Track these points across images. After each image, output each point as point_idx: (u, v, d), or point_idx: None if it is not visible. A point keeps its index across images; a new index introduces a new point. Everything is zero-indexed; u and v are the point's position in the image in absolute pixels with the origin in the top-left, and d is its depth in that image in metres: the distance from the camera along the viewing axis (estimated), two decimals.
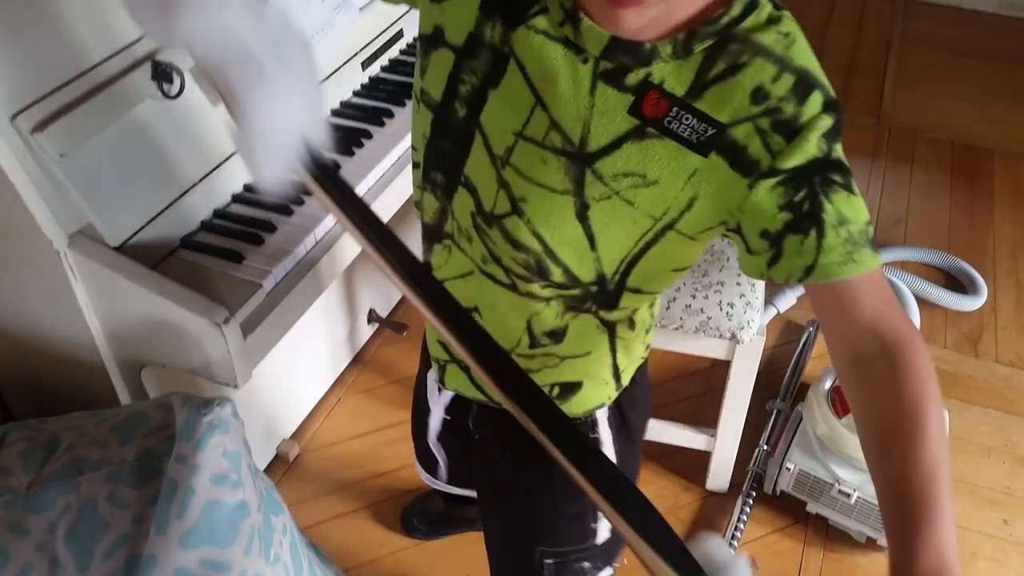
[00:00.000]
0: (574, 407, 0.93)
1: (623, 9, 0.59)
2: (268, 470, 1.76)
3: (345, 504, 1.74)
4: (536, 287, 0.80)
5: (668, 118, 0.65)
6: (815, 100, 0.64)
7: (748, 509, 1.73)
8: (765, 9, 0.65)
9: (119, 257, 1.14)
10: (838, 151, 0.67)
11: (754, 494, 1.75)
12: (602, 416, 0.95)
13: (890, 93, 3.05)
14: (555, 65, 0.67)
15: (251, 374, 1.19)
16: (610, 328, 0.85)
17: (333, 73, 1.50)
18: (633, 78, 0.65)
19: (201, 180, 1.28)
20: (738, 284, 1.49)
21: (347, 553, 1.63)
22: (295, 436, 1.83)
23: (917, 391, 0.64)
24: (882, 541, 1.65)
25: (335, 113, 1.49)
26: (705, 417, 1.78)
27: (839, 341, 0.68)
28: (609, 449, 0.97)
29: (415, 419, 1.22)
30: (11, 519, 1.00)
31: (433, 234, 0.87)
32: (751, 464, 1.77)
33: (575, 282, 0.78)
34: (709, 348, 1.52)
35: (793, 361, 2.04)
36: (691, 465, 1.79)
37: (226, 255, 1.23)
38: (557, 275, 0.77)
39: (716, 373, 1.95)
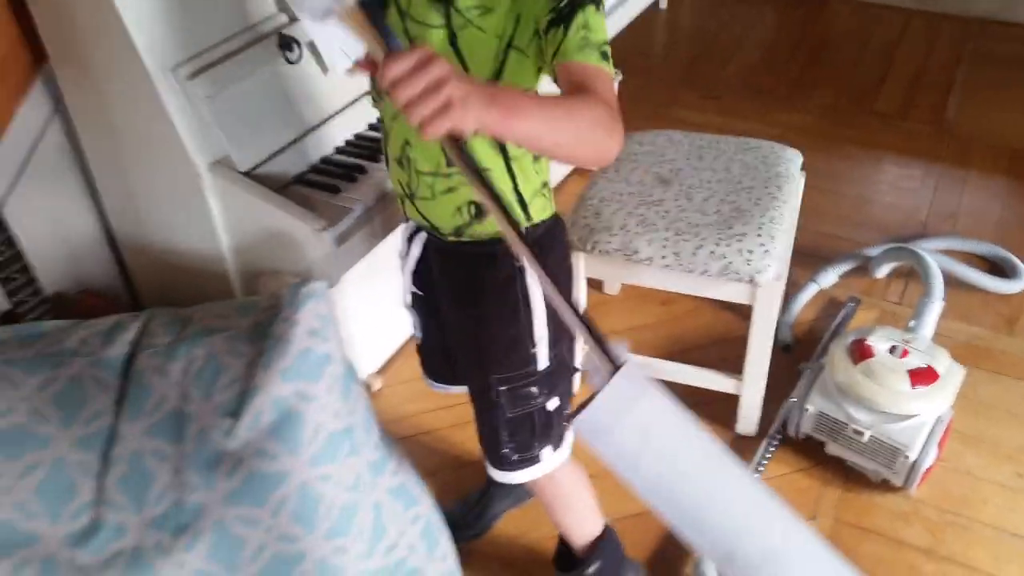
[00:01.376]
0: (488, 226, 1.19)
1: None
2: None
3: (418, 428, 2.02)
4: None
5: None
6: None
7: (772, 449, 1.92)
8: None
9: (246, 180, 1.47)
10: None
11: (780, 436, 1.94)
12: None
13: (954, 104, 3.18)
14: None
15: (341, 278, 1.50)
16: (500, 146, 1.13)
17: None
18: None
19: (312, 130, 1.61)
20: (758, 235, 1.71)
21: (416, 465, 1.91)
22: (380, 371, 2.14)
23: (585, 97, 0.93)
24: (895, 480, 1.81)
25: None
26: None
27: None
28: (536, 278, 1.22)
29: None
30: (155, 364, 1.32)
31: (380, 96, 1.21)
32: (780, 411, 1.96)
33: None
34: (732, 292, 1.74)
35: (830, 332, 2.22)
36: (723, 412, 2.00)
37: (327, 188, 1.55)
38: None
39: None
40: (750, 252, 1.69)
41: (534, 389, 1.28)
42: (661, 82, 3.42)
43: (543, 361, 1.27)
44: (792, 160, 1.94)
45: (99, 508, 1.23)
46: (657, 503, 0.84)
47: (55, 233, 1.68)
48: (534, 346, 1.25)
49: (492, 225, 1.19)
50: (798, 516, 0.83)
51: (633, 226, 1.76)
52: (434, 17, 1.05)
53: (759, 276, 1.68)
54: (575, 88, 0.96)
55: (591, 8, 0.99)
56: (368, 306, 2.01)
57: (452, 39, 1.06)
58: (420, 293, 1.39)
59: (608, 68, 0.99)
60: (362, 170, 1.59)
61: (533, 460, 1.35)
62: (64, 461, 1.24)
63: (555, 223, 1.27)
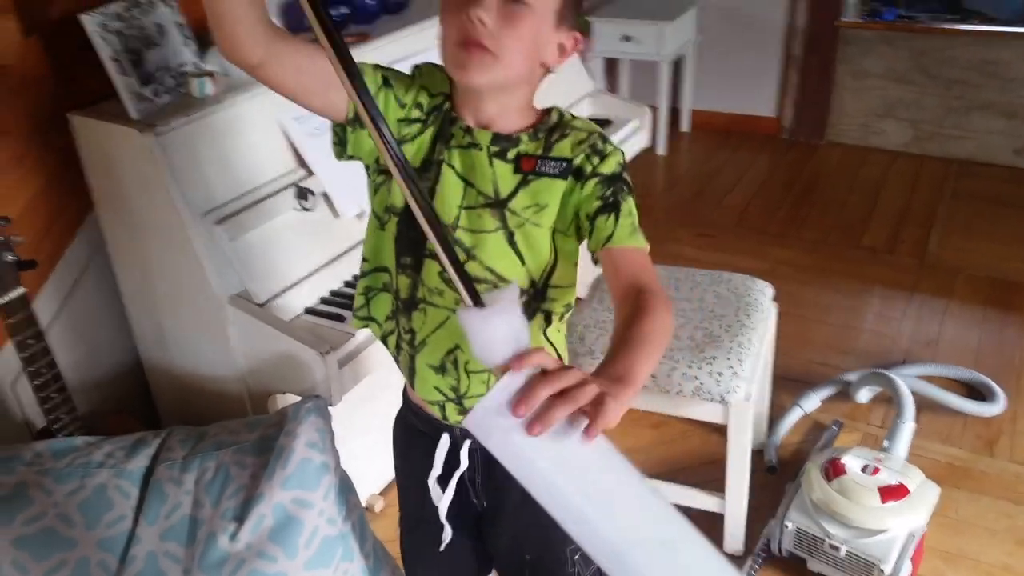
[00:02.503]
0: None
1: (470, 56, 1.02)
2: None
3: None
4: None
5: (538, 167, 1.10)
6: (610, 144, 1.11)
7: (757, 567, 2.00)
8: (559, 111, 1.14)
9: (261, 310, 1.67)
10: (628, 177, 1.11)
11: (764, 554, 2.02)
12: None
13: (936, 239, 3.37)
14: (469, 158, 1.10)
15: (343, 397, 1.66)
16: (548, 321, 1.20)
17: None
18: (512, 154, 1.11)
19: (322, 267, 1.81)
20: (727, 359, 1.86)
21: None
22: (382, 492, 2.26)
23: (652, 306, 0.98)
24: None
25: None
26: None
27: (617, 288, 1.04)
28: None
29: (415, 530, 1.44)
30: (171, 475, 1.47)
31: (409, 305, 1.18)
32: (764, 529, 2.05)
33: (520, 292, 1.14)
34: (706, 412, 1.87)
35: (815, 450, 2.32)
36: (712, 531, 2.08)
37: (333, 317, 1.73)
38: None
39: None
40: (720, 374, 1.83)
41: None
42: (659, 220, 3.66)
43: None
44: (762, 291, 2.11)
45: None
46: (556, 505, 0.82)
47: (90, 358, 1.88)
48: None
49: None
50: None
51: None
52: (490, 222, 1.10)
53: (729, 396, 1.82)
54: (626, 274, 1.04)
55: (631, 196, 1.10)
56: (370, 428, 2.16)
57: (510, 238, 1.11)
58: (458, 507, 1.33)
59: (647, 246, 1.09)
60: None
61: None
62: (87, 561, 1.37)
63: None
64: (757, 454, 2.36)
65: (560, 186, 1.10)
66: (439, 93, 1.13)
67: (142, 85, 1.67)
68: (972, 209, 3.58)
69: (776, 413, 2.46)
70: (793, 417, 2.45)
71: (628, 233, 1.07)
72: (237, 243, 1.67)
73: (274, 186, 1.77)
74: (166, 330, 1.84)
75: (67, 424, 1.58)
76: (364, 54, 1.99)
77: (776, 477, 2.27)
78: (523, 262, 1.13)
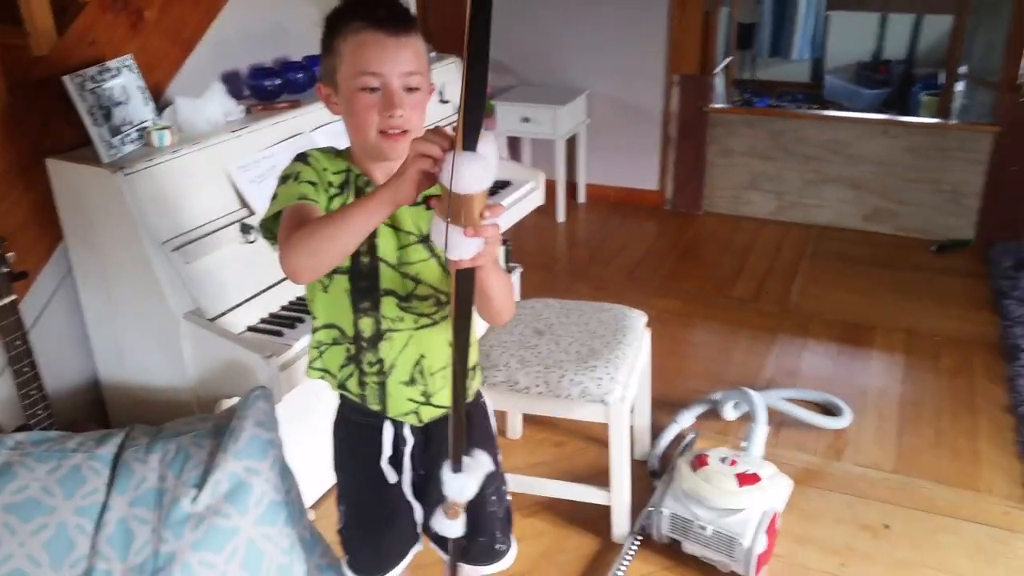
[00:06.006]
0: (476, 383, 1.57)
1: (397, 141, 1.33)
2: None
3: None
4: (442, 311, 1.44)
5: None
6: None
7: (633, 549, 2.33)
8: None
9: (212, 324, 1.96)
10: None
11: (639, 539, 2.36)
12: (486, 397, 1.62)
13: (797, 290, 3.88)
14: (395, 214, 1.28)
15: (283, 398, 1.95)
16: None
17: None
18: (420, 197, 1.18)
19: (263, 291, 2.12)
20: (606, 367, 2.23)
21: None
22: (313, 506, 2.51)
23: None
24: (739, 569, 2.22)
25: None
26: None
27: None
28: (493, 418, 1.64)
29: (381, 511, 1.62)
30: (137, 456, 1.72)
31: (376, 338, 1.42)
32: (640, 516, 2.39)
33: (449, 296, 1.43)
34: (590, 412, 2.23)
35: (679, 452, 2.69)
36: (602, 522, 2.41)
37: (273, 332, 2.03)
38: (444, 297, 1.44)
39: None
40: (600, 379, 2.20)
41: (504, 486, 1.64)
42: (559, 276, 4.08)
43: (499, 460, 1.58)
44: (636, 318, 2.51)
45: (92, 559, 1.59)
46: None
47: (50, 374, 2.11)
48: (497, 450, 1.60)
49: (478, 380, 1.58)
50: None
51: (514, 364, 2.27)
52: (423, 254, 1.39)
53: (607, 397, 2.18)
54: None
55: None
56: (302, 444, 2.42)
57: (440, 261, 1.40)
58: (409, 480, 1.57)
59: None
60: (301, 320, 2.09)
61: (511, 544, 1.68)
62: (65, 524, 1.61)
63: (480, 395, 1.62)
64: (643, 464, 2.72)
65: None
66: (339, 171, 1.38)
67: (111, 136, 1.98)
68: (827, 266, 4.13)
69: (658, 431, 2.83)
70: (671, 432, 2.82)
71: None
72: (190, 267, 1.97)
73: (222, 222, 2.09)
74: (124, 347, 2.10)
75: (42, 420, 1.81)
76: (297, 118, 2.36)
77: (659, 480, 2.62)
78: (447, 273, 1.44)
